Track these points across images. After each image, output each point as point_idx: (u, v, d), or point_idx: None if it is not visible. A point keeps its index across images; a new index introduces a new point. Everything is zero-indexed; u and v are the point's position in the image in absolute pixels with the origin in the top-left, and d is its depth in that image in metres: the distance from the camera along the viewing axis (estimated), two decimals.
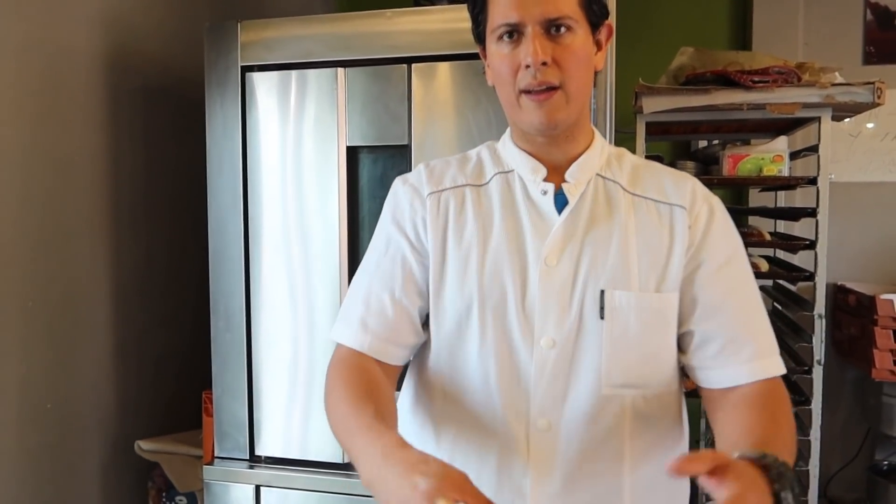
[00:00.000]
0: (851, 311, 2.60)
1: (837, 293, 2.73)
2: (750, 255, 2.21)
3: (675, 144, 2.99)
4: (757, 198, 2.81)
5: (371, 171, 1.68)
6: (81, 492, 1.89)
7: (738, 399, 0.93)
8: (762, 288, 2.59)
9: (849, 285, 2.68)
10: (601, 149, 1.03)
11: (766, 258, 2.21)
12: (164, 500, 2.02)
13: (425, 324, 1.03)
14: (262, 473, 1.71)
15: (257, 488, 1.71)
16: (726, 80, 1.92)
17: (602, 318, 0.94)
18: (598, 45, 0.98)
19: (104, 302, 1.94)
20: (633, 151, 2.01)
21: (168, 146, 2.13)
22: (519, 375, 0.95)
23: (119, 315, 1.98)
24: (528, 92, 0.93)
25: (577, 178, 0.99)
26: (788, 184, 2.11)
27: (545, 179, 1.00)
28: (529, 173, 1.00)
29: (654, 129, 2.04)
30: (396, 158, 1.64)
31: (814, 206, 1.98)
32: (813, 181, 1.98)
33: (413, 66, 1.59)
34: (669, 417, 0.99)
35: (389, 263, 1.02)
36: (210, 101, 1.71)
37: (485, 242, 0.98)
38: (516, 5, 0.91)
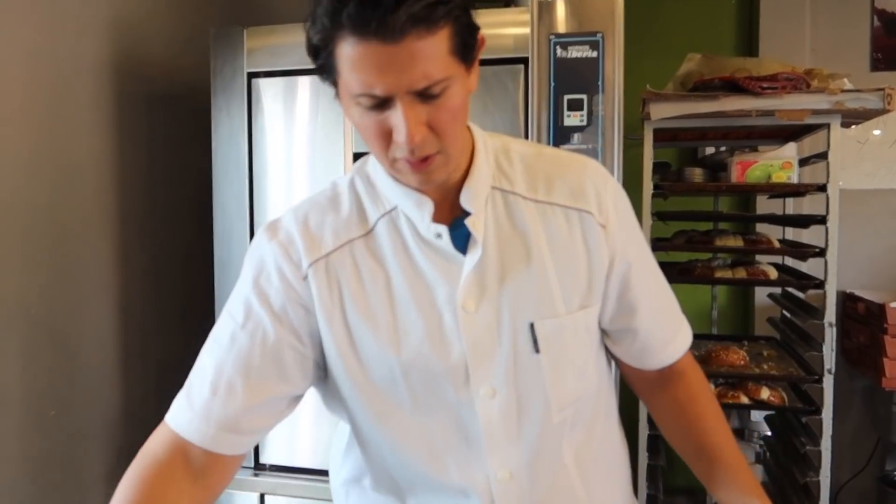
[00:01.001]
0: (861, 319, 2.58)
1: (846, 301, 2.71)
2: (758, 263, 2.19)
3: (682, 151, 2.98)
4: (764, 204, 2.80)
5: None
6: (85, 499, 1.88)
7: (666, 381, 1.03)
8: (771, 296, 2.57)
9: (858, 293, 2.66)
10: (485, 152, 0.90)
11: (775, 265, 2.20)
12: None
13: (290, 403, 0.92)
14: (267, 481, 1.70)
15: (262, 496, 1.70)
16: (734, 87, 1.91)
17: (537, 351, 0.87)
18: (470, 68, 0.82)
19: (109, 308, 1.93)
20: (641, 158, 2.01)
21: (174, 152, 2.13)
22: (465, 432, 0.88)
23: (124, 322, 1.98)
24: (403, 160, 0.81)
25: (473, 203, 0.87)
26: (798, 191, 2.10)
27: (434, 217, 0.87)
28: (414, 210, 0.87)
29: (661, 136, 2.03)
30: None
31: (822, 213, 1.97)
32: (822, 188, 1.96)
33: None
34: (603, 408, 1.00)
35: (248, 340, 0.87)
36: (216, 108, 1.70)
37: (392, 306, 0.86)
38: (377, 76, 0.73)
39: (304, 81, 1.64)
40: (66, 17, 1.75)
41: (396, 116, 0.75)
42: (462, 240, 0.87)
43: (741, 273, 2.12)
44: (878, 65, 2.80)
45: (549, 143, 1.48)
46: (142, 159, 2.03)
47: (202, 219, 1.81)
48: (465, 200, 0.87)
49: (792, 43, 2.83)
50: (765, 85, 1.88)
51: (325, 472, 1.68)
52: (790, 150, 2.08)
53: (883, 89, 1.86)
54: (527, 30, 1.50)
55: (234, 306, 0.90)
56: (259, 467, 1.72)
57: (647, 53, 2.65)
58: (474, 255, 0.86)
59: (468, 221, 0.86)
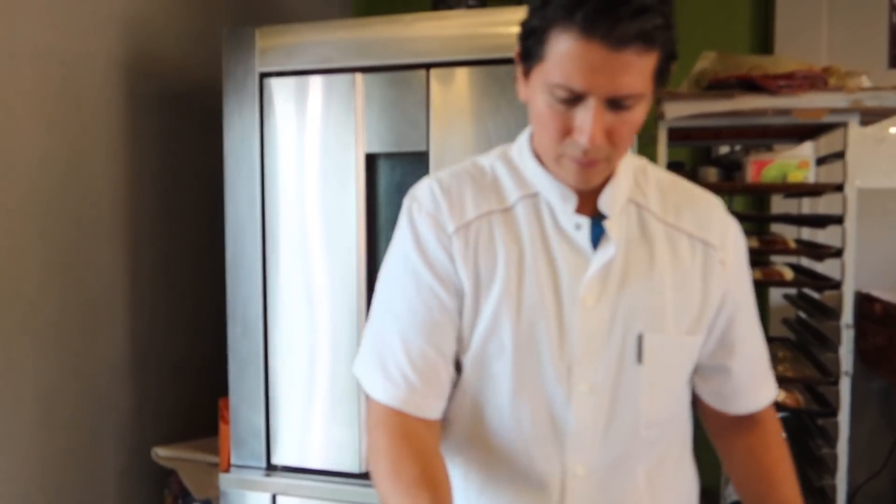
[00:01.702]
0: (878, 320, 2.55)
1: (863, 302, 2.67)
2: (773, 264, 2.17)
3: (696, 150, 2.95)
4: (780, 204, 2.77)
5: (389, 178, 1.67)
6: (99, 498, 1.89)
7: (749, 433, 1.06)
8: (786, 297, 2.54)
9: (875, 294, 2.62)
10: (626, 166, 0.95)
11: (790, 266, 2.17)
12: None
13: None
14: (279, 482, 1.70)
15: (273, 497, 1.70)
16: (750, 85, 1.88)
17: (640, 362, 0.90)
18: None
19: (122, 308, 1.94)
20: (655, 157, 1.99)
21: (186, 152, 2.13)
22: (554, 421, 0.91)
23: (136, 321, 1.98)
24: (571, 156, 0.85)
25: (611, 208, 0.91)
26: (814, 191, 2.07)
27: (576, 209, 0.91)
28: (559, 201, 0.91)
29: (675, 135, 2.01)
30: (415, 165, 1.63)
31: (839, 212, 1.94)
32: (839, 188, 1.93)
33: (431, 71, 1.57)
34: (679, 436, 1.02)
35: (425, 309, 0.92)
36: (228, 107, 1.70)
37: (519, 282, 0.90)
38: (585, 74, 0.77)
39: (317, 81, 1.64)
40: (79, 16, 1.76)
41: (584, 116, 0.80)
42: (594, 240, 0.91)
43: (756, 274, 2.10)
44: None
45: None
46: (154, 159, 2.03)
47: (214, 219, 1.81)
48: (604, 204, 0.91)
49: (808, 40, 2.79)
50: (781, 83, 1.86)
51: (336, 473, 1.68)
52: (806, 150, 2.05)
53: None
54: None
55: (403, 278, 0.94)
56: (271, 468, 1.72)
57: None
58: (605, 253, 0.90)
59: (606, 223, 0.91)
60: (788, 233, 2.44)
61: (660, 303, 0.91)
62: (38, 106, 1.65)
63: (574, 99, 0.80)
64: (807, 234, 2.58)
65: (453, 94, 1.57)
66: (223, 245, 1.73)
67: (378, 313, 0.96)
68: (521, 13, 1.53)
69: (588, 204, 0.92)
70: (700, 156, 2.95)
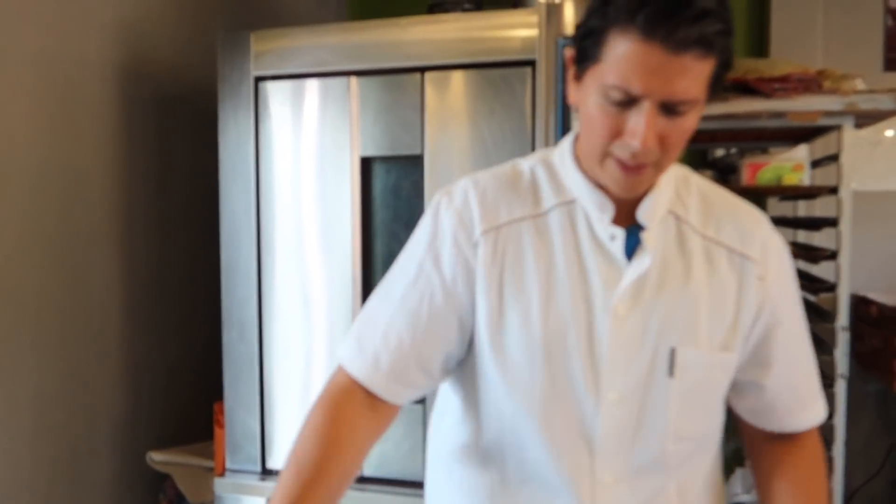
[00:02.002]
0: (873, 322, 2.55)
1: (859, 304, 2.68)
2: None
3: (692, 153, 2.95)
4: (775, 207, 2.77)
5: (384, 182, 1.67)
6: (93, 503, 1.88)
7: (784, 452, 1.01)
8: None
9: (870, 296, 2.62)
10: (668, 176, 0.92)
11: None
12: None
13: (446, 368, 0.96)
14: (274, 486, 1.69)
15: (268, 502, 1.69)
16: (745, 88, 1.88)
17: (671, 375, 0.89)
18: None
19: (116, 312, 1.93)
20: None
21: (181, 155, 2.13)
22: (584, 429, 0.90)
23: (131, 325, 1.98)
24: (617, 159, 0.83)
25: (650, 219, 0.89)
26: (809, 193, 2.07)
27: (613, 219, 0.89)
28: (596, 209, 0.90)
29: None
30: (410, 169, 1.62)
31: (834, 215, 1.94)
32: (834, 190, 1.94)
33: (426, 75, 1.57)
34: (712, 451, 1.00)
35: (417, 298, 0.92)
36: (223, 111, 1.70)
37: (548, 290, 0.89)
38: (642, 77, 0.76)
39: (312, 84, 1.64)
40: (74, 20, 1.75)
41: (637, 118, 0.79)
42: (629, 250, 0.89)
43: None
44: (891, 65, 2.77)
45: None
46: (149, 163, 2.03)
47: (209, 222, 1.81)
48: (643, 215, 0.89)
49: (803, 43, 2.80)
50: (776, 86, 1.86)
51: None
52: (801, 152, 2.05)
53: None
54: (535, 32, 1.49)
55: (408, 262, 0.95)
56: (266, 472, 1.72)
57: None
58: (640, 264, 0.88)
59: (644, 234, 0.89)
60: (784, 235, 2.44)
61: (694, 317, 0.89)
62: (32, 109, 1.65)
63: (628, 101, 0.78)
64: (802, 236, 2.59)
65: (448, 97, 1.57)
66: (218, 248, 1.73)
67: (374, 295, 0.98)
68: (515, 16, 1.54)
69: (625, 214, 0.90)
70: (696, 158, 2.95)
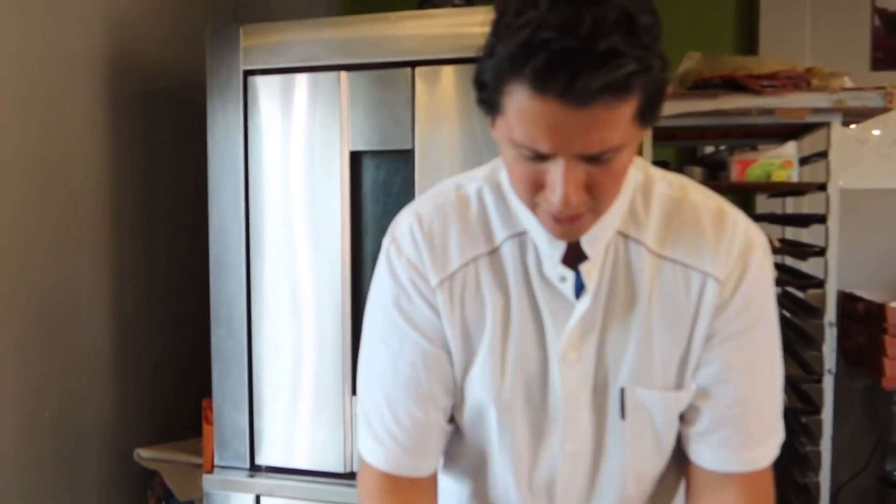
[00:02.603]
0: (860, 319, 2.57)
1: (846, 301, 2.70)
2: None
3: (682, 150, 2.97)
4: (764, 204, 2.78)
5: (374, 176, 1.66)
6: (82, 499, 1.87)
7: (718, 493, 0.86)
8: None
9: (857, 293, 2.64)
10: (624, 191, 0.80)
11: (774, 265, 2.18)
12: None
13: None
14: (263, 483, 1.68)
15: (257, 498, 1.68)
16: (734, 85, 1.89)
17: (623, 417, 0.83)
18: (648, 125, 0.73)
19: (104, 308, 1.92)
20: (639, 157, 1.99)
21: (170, 150, 2.11)
22: (541, 481, 0.87)
23: (118, 322, 1.96)
24: (546, 211, 0.74)
25: (594, 247, 0.80)
26: (798, 190, 2.08)
27: (563, 255, 0.80)
28: (546, 246, 0.80)
29: (659, 135, 2.02)
30: (400, 163, 1.62)
31: (822, 212, 1.95)
32: (823, 187, 1.95)
33: (417, 69, 1.57)
34: (676, 488, 0.94)
35: (410, 367, 0.85)
36: (212, 106, 1.69)
37: (505, 333, 0.83)
38: (547, 135, 0.66)
39: (301, 79, 1.63)
40: (61, 14, 1.74)
41: (555, 174, 0.69)
42: (578, 286, 0.81)
43: None
44: (878, 64, 2.79)
45: None
46: (137, 158, 2.01)
47: (198, 217, 1.80)
48: (587, 243, 0.79)
49: (792, 41, 2.81)
50: (765, 83, 1.87)
51: (321, 474, 1.67)
52: (790, 149, 2.07)
53: (884, 88, 1.84)
54: None
55: (386, 333, 0.87)
56: (255, 468, 1.71)
57: None
58: (583, 304, 0.81)
59: (583, 268, 0.80)
60: (772, 232, 2.45)
61: (644, 353, 0.81)
62: (19, 103, 1.63)
63: (540, 156, 0.69)
64: (790, 233, 2.60)
65: (438, 92, 1.56)
66: (207, 244, 1.71)
67: (363, 371, 0.90)
68: None
69: (575, 244, 0.80)
70: (685, 155, 2.96)
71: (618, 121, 0.65)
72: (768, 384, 0.86)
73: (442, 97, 1.56)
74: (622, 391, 0.82)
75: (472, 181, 0.88)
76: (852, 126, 2.47)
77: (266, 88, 1.66)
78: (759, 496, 0.86)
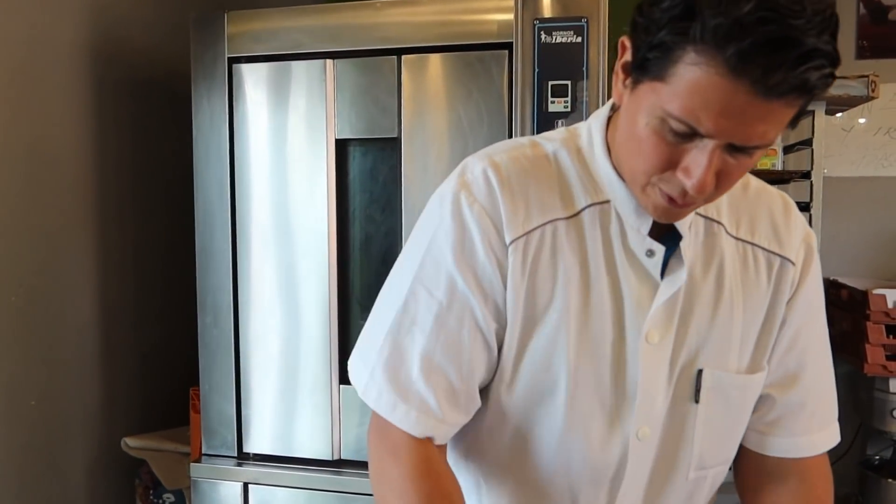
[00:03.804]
0: (844, 305, 2.60)
1: (830, 288, 2.72)
2: None
3: None
4: None
5: (361, 165, 1.66)
6: (68, 489, 1.87)
7: (784, 478, 0.86)
8: None
9: (841, 280, 2.67)
10: None
11: None
12: (151, 497, 2.00)
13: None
14: (250, 471, 1.69)
15: (245, 486, 1.69)
16: None
17: (696, 401, 0.79)
18: None
19: (89, 297, 1.91)
20: None
21: (155, 139, 2.10)
22: (604, 465, 0.80)
23: (105, 311, 1.96)
24: (664, 192, 0.70)
25: (683, 227, 0.76)
26: (782, 178, 2.10)
27: (650, 231, 0.76)
28: (632, 217, 0.76)
29: None
30: (386, 151, 1.62)
31: (806, 200, 1.97)
32: (807, 175, 1.97)
33: (403, 57, 1.56)
34: (718, 481, 0.91)
35: (456, 325, 0.77)
36: (196, 94, 1.68)
37: (584, 306, 0.76)
38: (717, 117, 0.62)
39: (287, 67, 1.62)
40: (43, 0, 1.72)
41: (698, 158, 0.65)
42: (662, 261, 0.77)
43: None
44: (863, 52, 2.80)
45: (532, 131, 1.48)
46: (121, 147, 2.00)
47: (183, 206, 1.79)
48: (682, 224, 0.76)
49: None
50: None
51: (308, 461, 1.68)
52: None
53: (867, 76, 1.86)
54: (511, 15, 1.48)
55: (432, 280, 0.77)
56: (243, 456, 1.71)
57: None
58: (673, 283, 0.76)
59: (683, 245, 0.76)
60: None
61: (725, 335, 0.79)
62: (1, 91, 1.61)
63: (690, 134, 0.64)
64: None
65: (425, 80, 1.56)
66: (192, 233, 1.71)
67: (393, 320, 0.79)
68: (492, 0, 1.53)
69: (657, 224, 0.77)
70: None
71: (784, 119, 0.64)
72: (829, 367, 0.88)
73: (428, 85, 1.56)
74: (699, 373, 0.79)
75: (548, 141, 0.82)
76: (838, 115, 2.49)
77: (251, 76, 1.65)
78: (823, 479, 0.88)
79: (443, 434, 0.80)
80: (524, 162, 0.78)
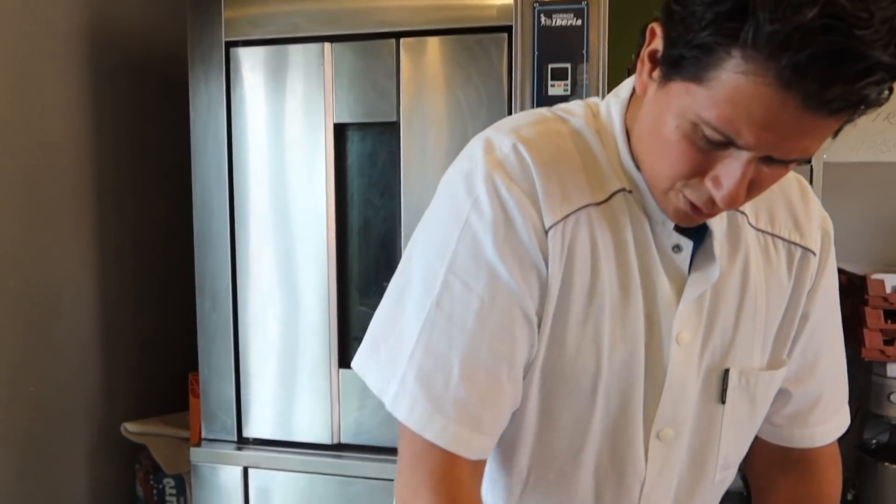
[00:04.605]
0: (842, 291, 2.58)
1: None
2: None
3: None
4: None
5: (359, 149, 1.65)
6: (68, 474, 1.87)
7: (795, 467, 0.86)
8: None
9: (841, 265, 2.67)
10: None
11: None
12: (151, 481, 2.00)
13: None
14: (250, 455, 1.69)
15: (245, 470, 1.69)
16: None
17: (723, 402, 0.76)
18: None
19: (88, 283, 1.91)
20: None
21: (151, 123, 2.09)
22: (626, 468, 0.76)
23: (103, 297, 1.95)
24: (689, 199, 0.65)
25: (716, 223, 0.71)
26: None
27: (675, 226, 0.70)
28: (656, 210, 0.70)
29: None
30: (385, 136, 1.61)
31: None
32: (807, 161, 1.96)
33: (402, 41, 1.55)
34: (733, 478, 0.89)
35: (502, 322, 0.68)
36: (194, 77, 1.67)
37: (621, 302, 0.70)
38: (759, 130, 0.56)
39: (285, 50, 1.61)
40: None
41: (731, 169, 0.59)
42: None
43: None
44: None
45: None
46: (117, 131, 1.99)
47: (181, 191, 1.78)
48: (715, 221, 0.71)
49: None
50: None
51: (308, 445, 1.68)
52: None
53: None
54: None
55: (468, 272, 0.68)
56: (242, 441, 1.72)
57: (634, 24, 2.62)
58: (704, 281, 0.71)
59: (714, 239, 0.71)
60: None
61: (749, 332, 0.75)
62: None
63: (725, 143, 0.58)
64: None
65: (424, 63, 1.55)
66: (190, 217, 1.70)
67: (425, 318, 0.69)
68: None
69: None
70: None
71: (829, 133, 0.58)
72: (843, 353, 0.86)
73: (427, 69, 1.55)
74: (725, 373, 0.75)
75: (571, 116, 0.74)
76: None
77: (249, 60, 1.63)
78: (833, 462, 0.88)
79: (484, 447, 0.70)
80: (554, 138, 0.71)
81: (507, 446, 0.76)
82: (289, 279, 1.65)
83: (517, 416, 0.74)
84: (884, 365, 2.52)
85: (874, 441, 2.73)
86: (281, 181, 1.64)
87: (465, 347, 0.68)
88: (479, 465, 0.72)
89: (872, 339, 2.39)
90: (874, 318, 2.38)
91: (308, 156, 1.62)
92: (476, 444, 0.69)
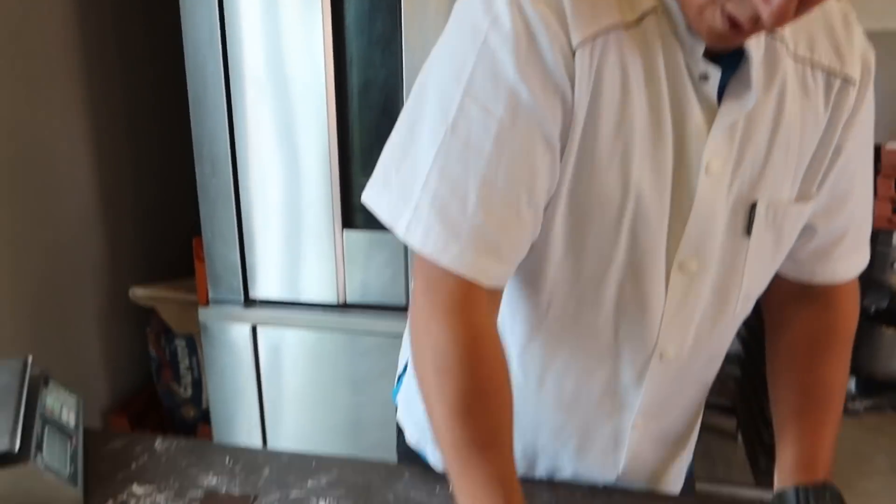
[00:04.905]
0: None
1: None
2: None
3: None
4: None
5: (357, 4, 1.57)
6: (80, 338, 1.93)
7: (814, 301, 0.85)
8: None
9: None
10: None
11: None
12: (163, 343, 2.06)
13: None
14: (258, 313, 1.73)
15: (254, 328, 1.73)
16: None
17: (748, 234, 0.74)
18: None
19: (83, 155, 1.88)
20: None
21: None
22: (647, 299, 0.75)
23: (102, 165, 1.94)
24: (729, 15, 0.59)
25: (753, 48, 0.66)
26: None
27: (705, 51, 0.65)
28: (685, 34, 0.65)
29: None
30: None
31: None
32: None
33: None
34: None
35: (522, 147, 0.64)
36: None
37: (656, 131, 0.67)
38: None
39: None
40: None
41: None
42: (721, 82, 0.68)
43: None
44: None
45: None
46: None
47: (174, 52, 1.72)
48: (751, 42, 0.66)
49: None
50: None
51: (315, 305, 1.71)
52: None
53: None
54: None
55: (486, 93, 0.64)
56: (249, 303, 1.75)
57: None
58: (737, 109, 0.68)
59: (753, 66, 0.66)
60: None
61: (781, 165, 0.72)
62: None
63: None
64: None
65: None
66: (184, 81, 1.65)
67: (439, 144, 0.65)
68: None
69: None
70: None
71: None
72: (871, 186, 0.82)
73: None
74: (754, 204, 0.73)
75: None
76: None
77: None
78: (852, 297, 0.87)
79: (501, 275, 0.69)
80: None
81: (529, 276, 0.75)
82: (289, 142, 1.62)
83: (540, 246, 0.72)
84: (890, 233, 2.51)
85: (874, 307, 2.78)
86: (276, 41, 1.58)
87: (482, 173, 0.65)
88: (495, 295, 0.71)
89: (882, 208, 2.38)
90: (885, 187, 2.35)
91: (304, 11, 1.54)
92: (493, 272, 0.67)
